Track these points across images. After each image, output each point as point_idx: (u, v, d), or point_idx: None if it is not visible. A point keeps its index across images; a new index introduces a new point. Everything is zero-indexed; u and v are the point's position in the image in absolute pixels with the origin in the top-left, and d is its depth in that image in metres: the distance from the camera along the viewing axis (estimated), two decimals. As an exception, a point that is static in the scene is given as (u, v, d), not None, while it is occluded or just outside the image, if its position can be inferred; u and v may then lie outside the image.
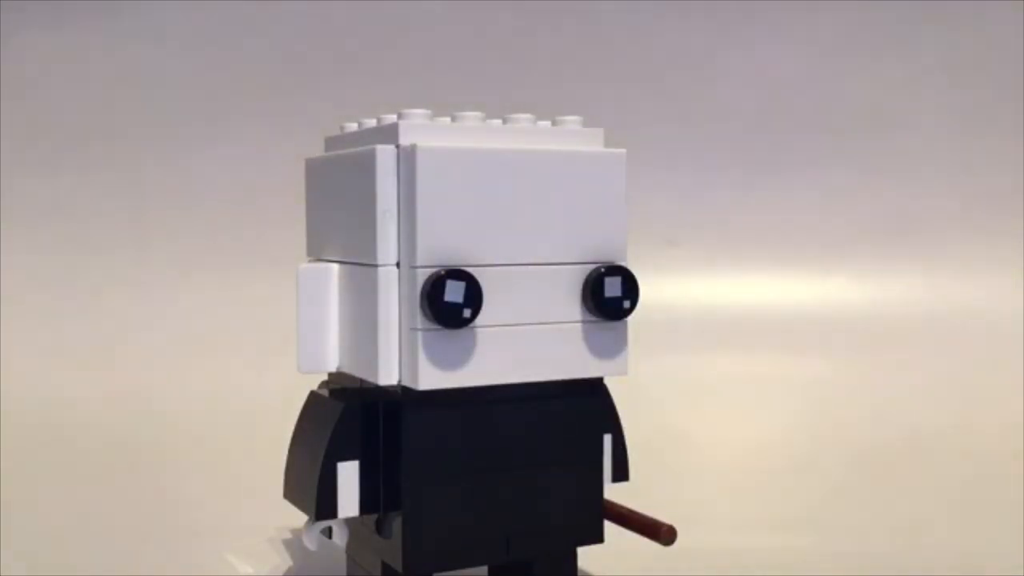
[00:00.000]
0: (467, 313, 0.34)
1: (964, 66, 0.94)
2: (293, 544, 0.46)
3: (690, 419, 0.73)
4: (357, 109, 0.44)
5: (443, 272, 0.33)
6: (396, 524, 0.35)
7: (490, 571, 0.39)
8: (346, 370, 0.37)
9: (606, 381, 0.38)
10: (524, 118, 0.37)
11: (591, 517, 0.38)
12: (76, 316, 0.87)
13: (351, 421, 0.36)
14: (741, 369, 0.83)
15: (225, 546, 0.46)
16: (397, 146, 0.34)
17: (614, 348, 0.37)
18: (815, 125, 0.94)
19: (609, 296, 0.36)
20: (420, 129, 0.35)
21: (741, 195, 0.94)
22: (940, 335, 0.85)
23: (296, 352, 0.37)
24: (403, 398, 0.35)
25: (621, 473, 0.40)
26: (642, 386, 0.45)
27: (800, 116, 0.95)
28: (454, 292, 0.33)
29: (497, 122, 0.37)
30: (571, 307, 0.36)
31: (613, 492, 0.39)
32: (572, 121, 0.37)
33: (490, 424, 0.36)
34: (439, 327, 0.34)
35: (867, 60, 0.95)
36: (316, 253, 0.39)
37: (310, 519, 0.36)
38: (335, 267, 0.37)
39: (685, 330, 0.85)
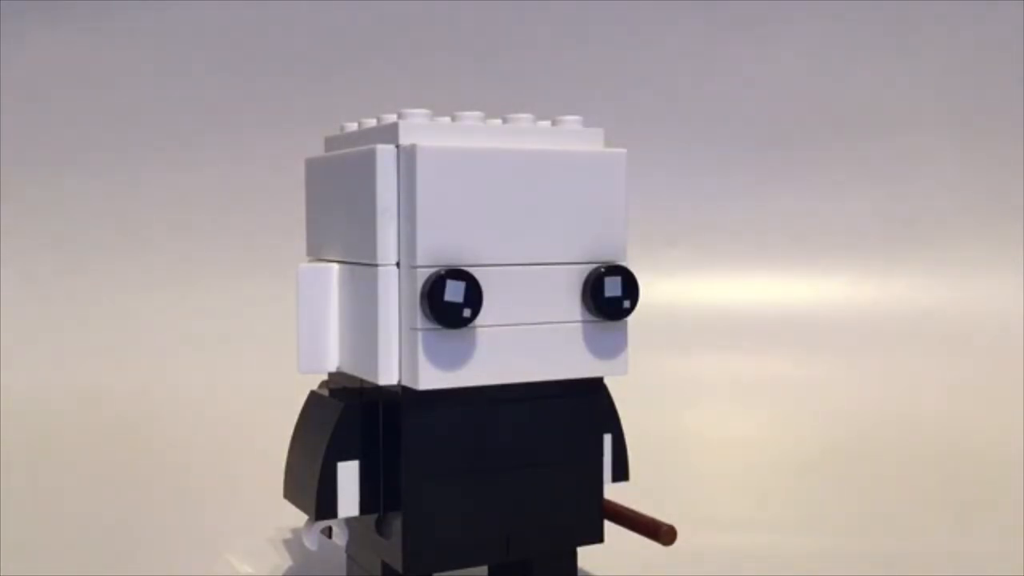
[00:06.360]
0: (467, 313, 0.34)
1: (964, 66, 0.94)
2: (293, 544, 0.46)
3: (690, 419, 0.73)
4: (357, 109, 0.44)
5: (443, 272, 0.33)
6: (396, 524, 0.35)
7: (490, 571, 0.39)
8: (346, 370, 0.37)
9: (606, 381, 0.38)
10: (524, 118, 0.37)
11: (591, 517, 0.38)
12: (75, 317, 0.87)
13: (351, 421, 0.36)
14: (740, 369, 0.83)
15: (225, 546, 0.46)
16: (397, 146, 0.34)
17: (614, 348, 0.37)
18: (815, 125, 0.94)
19: (609, 296, 0.36)
20: (420, 129, 0.35)
21: (741, 195, 0.94)
22: (940, 335, 0.85)
23: (296, 352, 0.37)
24: (403, 398, 0.35)
25: (621, 473, 0.40)
26: (642, 386, 0.45)
27: (800, 116, 0.95)
28: (454, 292, 0.33)
29: (497, 122, 0.37)
30: (571, 307, 0.36)
31: (613, 492, 0.39)
32: (572, 121, 0.37)
33: (490, 424, 0.36)
34: (439, 327, 0.34)
35: (867, 60, 0.95)
36: (316, 253, 0.39)
37: (310, 519, 0.36)
38: (335, 267, 0.37)
39: (685, 330, 0.85)
